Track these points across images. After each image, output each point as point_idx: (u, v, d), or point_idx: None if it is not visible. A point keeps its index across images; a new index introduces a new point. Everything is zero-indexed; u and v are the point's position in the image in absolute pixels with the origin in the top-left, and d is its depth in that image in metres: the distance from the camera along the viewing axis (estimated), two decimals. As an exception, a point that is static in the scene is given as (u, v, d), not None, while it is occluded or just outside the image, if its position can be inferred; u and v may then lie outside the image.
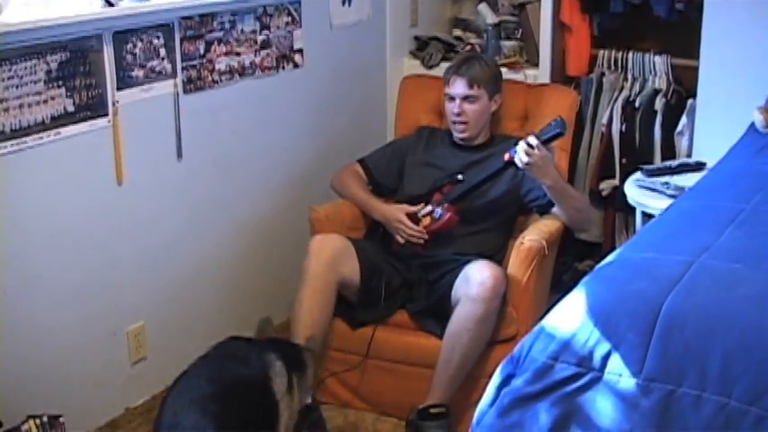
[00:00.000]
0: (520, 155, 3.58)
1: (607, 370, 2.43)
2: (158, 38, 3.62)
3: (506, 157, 3.67)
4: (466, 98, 3.93)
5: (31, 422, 3.13)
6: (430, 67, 4.87)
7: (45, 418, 3.16)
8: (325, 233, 3.80)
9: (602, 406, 2.41)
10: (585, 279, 2.70)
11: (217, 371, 3.02)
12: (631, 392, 2.39)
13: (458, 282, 3.56)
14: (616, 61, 4.66)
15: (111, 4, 3.34)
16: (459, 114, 3.94)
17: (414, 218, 3.85)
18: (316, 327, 3.58)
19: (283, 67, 4.24)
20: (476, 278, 3.49)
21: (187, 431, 2.75)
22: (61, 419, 3.21)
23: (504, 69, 4.21)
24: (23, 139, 3.18)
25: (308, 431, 3.43)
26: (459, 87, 3.93)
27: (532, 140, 3.57)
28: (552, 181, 3.67)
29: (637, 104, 4.52)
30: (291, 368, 3.18)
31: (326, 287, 3.62)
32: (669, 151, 4.50)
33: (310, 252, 3.64)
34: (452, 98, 3.96)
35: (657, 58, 4.54)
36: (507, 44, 4.86)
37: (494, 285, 3.47)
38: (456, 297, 3.55)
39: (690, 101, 4.45)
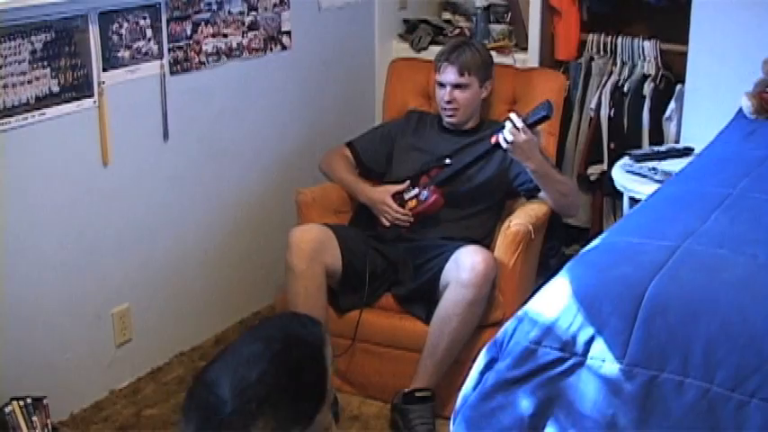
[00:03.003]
0: (505, 134, 3.58)
1: (590, 355, 2.43)
2: (145, 18, 3.60)
3: (493, 139, 3.67)
4: (457, 86, 3.91)
5: (15, 404, 3.14)
6: (419, 51, 4.86)
7: (29, 400, 3.17)
8: (305, 222, 3.81)
9: (584, 391, 2.41)
10: (569, 264, 2.70)
11: (284, 326, 3.03)
12: (614, 378, 2.39)
13: (448, 266, 3.55)
14: (605, 46, 4.64)
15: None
16: (449, 102, 3.93)
17: (400, 201, 3.85)
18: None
19: (271, 49, 4.22)
20: (466, 263, 3.48)
21: (245, 353, 2.77)
22: (45, 401, 3.22)
23: (492, 53, 4.19)
24: (7, 119, 3.16)
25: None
26: (450, 75, 3.92)
27: (516, 118, 3.57)
28: (536, 165, 3.66)
29: (625, 89, 4.51)
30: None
31: (316, 281, 3.59)
32: (657, 136, 4.50)
33: (291, 246, 3.60)
34: (443, 85, 3.94)
35: (646, 43, 4.53)
36: (496, 28, 4.85)
37: (485, 271, 3.46)
38: (445, 281, 3.54)
39: (678, 86, 4.45)
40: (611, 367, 2.40)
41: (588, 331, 2.44)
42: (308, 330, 3.08)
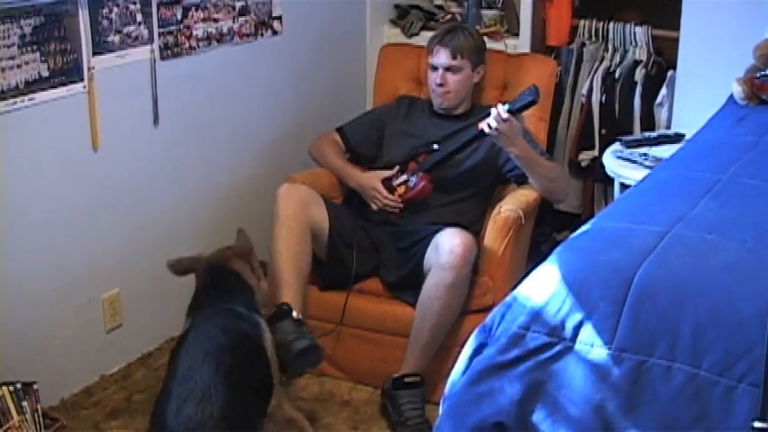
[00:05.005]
0: (490, 122, 3.58)
1: (578, 340, 2.43)
2: (135, 3, 3.59)
3: (480, 126, 3.67)
4: (448, 68, 3.92)
5: (5, 389, 3.13)
6: (410, 36, 4.86)
7: (18, 385, 3.16)
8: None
9: (572, 376, 2.41)
10: (558, 249, 2.69)
11: (228, 321, 3.02)
12: (602, 362, 2.39)
13: (428, 250, 3.56)
14: (597, 31, 4.64)
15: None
16: (441, 84, 3.94)
17: (389, 187, 3.85)
18: (296, 259, 3.57)
19: (262, 34, 4.22)
20: (445, 246, 3.49)
21: (199, 385, 2.77)
22: (35, 386, 3.21)
23: (484, 38, 4.19)
24: (-3, 104, 3.16)
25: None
26: (442, 57, 3.92)
27: (500, 108, 3.57)
28: (520, 150, 3.68)
29: (617, 75, 4.52)
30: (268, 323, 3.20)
31: (300, 225, 3.61)
32: (649, 122, 4.50)
33: (279, 197, 3.65)
34: (435, 68, 3.95)
35: (638, 29, 4.53)
36: (488, 13, 4.84)
37: (463, 253, 3.46)
38: (428, 266, 3.55)
39: (670, 72, 4.45)
40: (600, 352, 2.40)
41: (577, 316, 2.44)
42: (246, 321, 3.08)
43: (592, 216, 4.37)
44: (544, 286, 2.53)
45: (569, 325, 2.44)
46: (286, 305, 3.41)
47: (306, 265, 3.61)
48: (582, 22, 4.67)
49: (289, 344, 3.27)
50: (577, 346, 2.43)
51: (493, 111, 3.60)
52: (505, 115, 3.56)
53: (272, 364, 3.11)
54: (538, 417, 2.44)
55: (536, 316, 2.48)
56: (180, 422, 2.72)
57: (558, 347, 2.45)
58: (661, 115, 4.48)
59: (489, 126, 3.59)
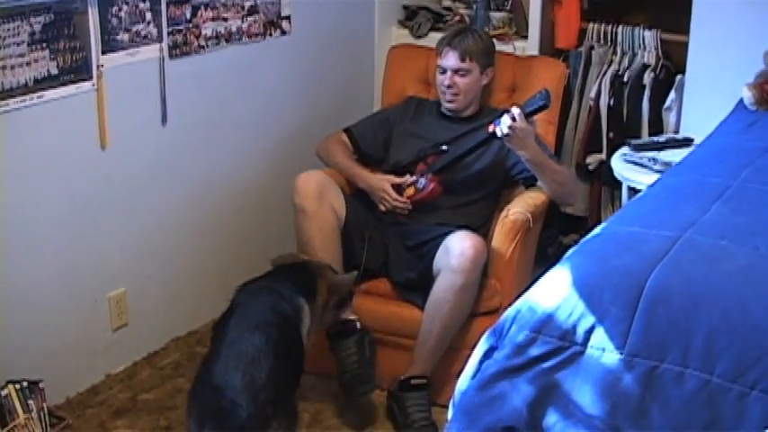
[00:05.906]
0: (502, 126, 3.57)
1: (590, 344, 2.42)
2: (144, 1, 3.58)
3: (490, 128, 3.66)
4: (457, 71, 3.91)
5: (11, 387, 3.13)
6: (418, 37, 4.84)
7: (25, 384, 3.16)
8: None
9: (584, 380, 2.41)
10: (570, 253, 2.69)
11: (276, 303, 3.17)
12: (614, 367, 2.38)
13: (438, 253, 3.55)
14: (605, 35, 4.63)
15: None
16: (450, 87, 3.92)
17: (398, 188, 3.84)
18: (335, 261, 3.63)
19: (270, 34, 4.21)
20: (455, 249, 3.48)
21: (249, 350, 2.92)
22: (41, 385, 3.21)
23: (493, 40, 4.17)
24: (6, 101, 3.15)
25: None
26: (450, 60, 3.91)
27: (516, 112, 3.56)
28: (531, 154, 3.66)
29: (625, 79, 4.50)
30: (311, 309, 3.30)
31: (329, 221, 3.65)
32: (657, 126, 4.48)
33: (297, 188, 3.65)
34: (444, 70, 3.93)
35: (647, 33, 4.51)
36: (496, 15, 4.83)
37: (473, 256, 3.45)
38: (437, 268, 3.54)
39: (678, 76, 4.44)
40: (611, 357, 2.39)
41: (588, 320, 2.43)
42: (290, 303, 3.21)
43: (598, 219, 4.40)
44: (555, 290, 2.52)
45: (581, 329, 2.44)
46: (351, 322, 3.56)
47: (339, 260, 3.68)
48: (591, 25, 4.66)
49: (346, 371, 3.52)
50: (589, 351, 2.43)
51: (505, 115, 3.58)
52: (520, 118, 3.55)
53: (305, 348, 3.22)
54: (549, 421, 2.44)
55: (547, 320, 2.48)
56: (227, 380, 2.87)
57: (569, 352, 2.44)
58: (669, 119, 4.47)
59: (501, 129, 3.58)
